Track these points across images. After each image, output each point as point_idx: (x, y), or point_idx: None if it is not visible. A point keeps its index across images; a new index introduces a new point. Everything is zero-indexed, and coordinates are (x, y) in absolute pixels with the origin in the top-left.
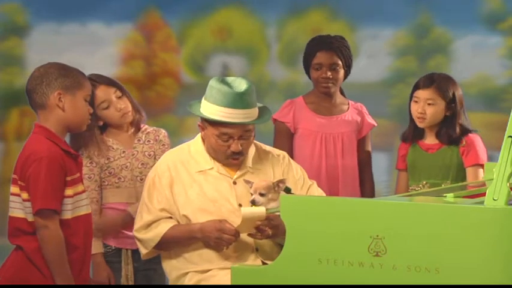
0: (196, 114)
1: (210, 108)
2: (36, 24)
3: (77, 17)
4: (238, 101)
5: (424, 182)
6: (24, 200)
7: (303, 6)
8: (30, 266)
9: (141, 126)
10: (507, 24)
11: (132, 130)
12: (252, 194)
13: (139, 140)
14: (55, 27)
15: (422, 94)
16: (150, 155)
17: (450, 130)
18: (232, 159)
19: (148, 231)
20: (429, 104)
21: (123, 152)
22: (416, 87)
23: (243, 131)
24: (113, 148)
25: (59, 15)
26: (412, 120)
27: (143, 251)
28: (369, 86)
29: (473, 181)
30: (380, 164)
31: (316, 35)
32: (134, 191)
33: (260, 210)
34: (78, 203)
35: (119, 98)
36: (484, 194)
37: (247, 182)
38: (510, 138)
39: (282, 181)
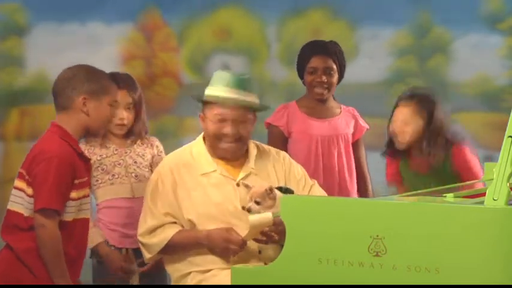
0: (198, 99)
1: (210, 90)
2: (36, 24)
3: (77, 17)
4: (238, 83)
5: None
6: (28, 196)
7: (303, 6)
8: (20, 265)
9: (143, 136)
10: (507, 24)
11: (129, 140)
12: (249, 201)
13: (132, 141)
14: (55, 27)
15: (400, 113)
16: (143, 155)
17: (435, 149)
18: (228, 143)
19: (152, 236)
20: (406, 124)
21: (116, 149)
22: (396, 105)
23: (239, 115)
24: (106, 146)
25: (59, 15)
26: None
27: (147, 255)
28: (368, 86)
29: (469, 182)
30: (379, 164)
31: (309, 41)
32: (129, 186)
33: (267, 217)
34: (81, 207)
35: (127, 109)
36: (483, 194)
37: (246, 186)
38: (510, 138)
39: (270, 187)
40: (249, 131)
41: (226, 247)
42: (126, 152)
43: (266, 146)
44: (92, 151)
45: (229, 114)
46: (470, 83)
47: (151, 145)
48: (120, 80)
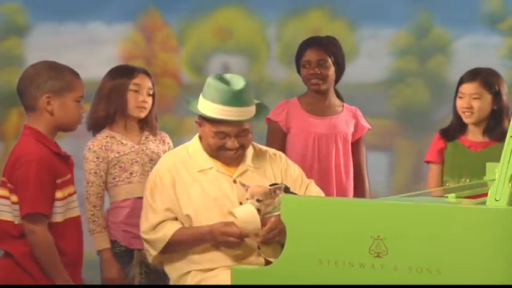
0: (193, 111)
1: (207, 106)
2: (36, 24)
3: (77, 17)
4: (235, 99)
5: (468, 180)
6: (13, 203)
7: (303, 6)
8: (19, 271)
9: (157, 133)
10: (507, 24)
11: (143, 136)
12: (247, 199)
13: (146, 138)
14: (55, 27)
15: (467, 89)
16: (158, 153)
17: (499, 125)
18: (231, 153)
19: (156, 231)
20: (475, 99)
21: (133, 146)
22: (461, 82)
23: (240, 130)
24: (122, 143)
25: (59, 15)
26: (456, 117)
27: (152, 253)
28: (368, 86)
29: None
30: (379, 164)
31: (308, 37)
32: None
33: (251, 210)
34: (69, 205)
35: (148, 95)
36: (485, 195)
37: (242, 185)
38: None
39: (279, 187)
40: (249, 138)
41: (225, 240)
42: (142, 150)
43: (262, 147)
44: (110, 147)
45: (229, 130)
46: None
47: (163, 141)
48: (139, 68)
